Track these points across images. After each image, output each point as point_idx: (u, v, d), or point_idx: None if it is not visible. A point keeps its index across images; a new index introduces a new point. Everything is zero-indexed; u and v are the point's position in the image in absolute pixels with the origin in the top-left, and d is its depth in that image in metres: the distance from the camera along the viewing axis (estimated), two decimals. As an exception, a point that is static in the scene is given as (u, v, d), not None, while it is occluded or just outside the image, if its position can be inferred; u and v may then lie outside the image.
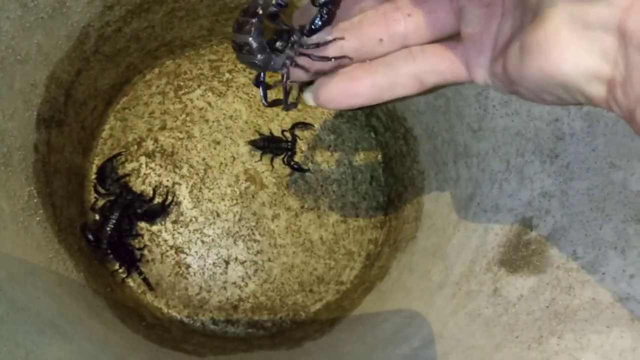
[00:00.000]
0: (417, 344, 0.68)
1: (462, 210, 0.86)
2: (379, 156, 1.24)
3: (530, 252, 0.64)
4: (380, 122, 1.20)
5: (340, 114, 1.23)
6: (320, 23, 0.54)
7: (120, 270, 1.04)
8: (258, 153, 1.17)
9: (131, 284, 1.07)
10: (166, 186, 1.12)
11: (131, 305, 0.99)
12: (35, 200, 0.77)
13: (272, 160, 1.17)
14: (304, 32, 0.55)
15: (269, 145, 1.16)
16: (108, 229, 1.00)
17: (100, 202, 1.05)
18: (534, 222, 0.66)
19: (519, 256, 0.66)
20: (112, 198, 1.05)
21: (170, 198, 1.10)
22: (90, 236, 0.99)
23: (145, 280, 1.06)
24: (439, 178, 0.98)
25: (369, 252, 1.19)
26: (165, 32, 1.03)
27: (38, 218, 0.77)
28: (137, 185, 1.11)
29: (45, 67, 0.77)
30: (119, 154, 1.10)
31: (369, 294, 1.07)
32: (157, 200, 1.09)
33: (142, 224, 1.09)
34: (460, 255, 0.80)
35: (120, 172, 1.10)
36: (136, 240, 1.08)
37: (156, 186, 1.11)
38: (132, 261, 1.03)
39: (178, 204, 1.12)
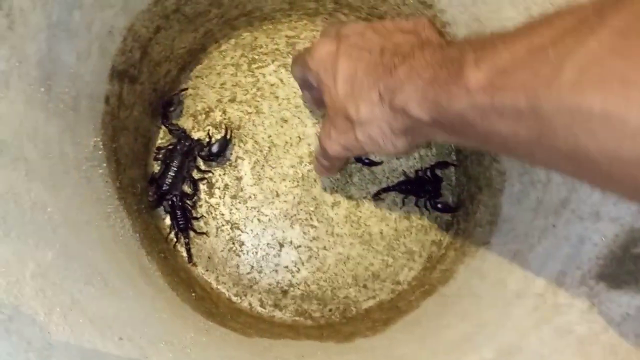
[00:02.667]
0: (489, 355, 0.60)
1: (550, 216, 0.76)
2: (453, 153, 1.16)
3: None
4: (459, 116, 1.12)
5: (416, 103, 1.16)
6: None
7: (171, 235, 1.02)
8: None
9: (183, 253, 1.04)
10: (223, 122, 1.09)
11: (182, 275, 0.96)
12: (100, 152, 0.75)
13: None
14: None
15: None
16: (169, 175, 1.00)
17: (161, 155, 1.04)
18: (647, 233, 0.57)
19: (625, 271, 0.57)
20: (171, 147, 1.04)
21: (229, 132, 1.07)
22: (153, 186, 1.00)
23: (188, 250, 1.03)
24: (523, 180, 0.89)
25: (430, 254, 1.11)
26: (246, 0, 0.99)
27: (101, 171, 0.75)
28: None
29: (125, 16, 0.75)
30: (185, 89, 1.08)
31: (430, 297, 0.98)
32: (216, 139, 1.07)
33: (201, 195, 1.07)
34: (546, 265, 0.70)
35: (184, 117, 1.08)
36: (194, 210, 1.05)
37: (210, 132, 1.09)
38: (185, 226, 1.00)
39: (239, 179, 1.09)
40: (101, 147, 0.76)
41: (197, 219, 1.04)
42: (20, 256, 0.43)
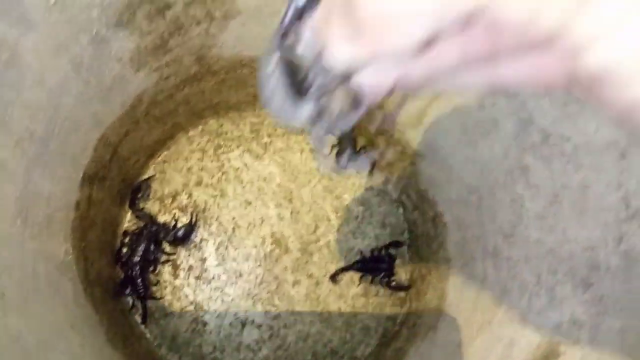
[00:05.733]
0: None
1: (487, 312, 0.84)
2: (406, 233, 1.24)
3: (555, 381, 0.63)
4: (410, 200, 1.21)
5: (371, 187, 1.24)
6: None
7: (130, 299, 1.07)
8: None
9: (147, 335, 1.08)
10: (189, 206, 1.15)
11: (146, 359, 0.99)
12: (70, 257, 0.79)
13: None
14: None
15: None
16: (135, 259, 1.04)
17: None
18: (561, 349, 0.65)
19: (543, 383, 0.64)
20: (137, 231, 1.09)
21: (195, 217, 1.13)
22: (119, 265, 1.05)
23: (144, 310, 1.07)
24: (465, 271, 0.97)
25: (386, 329, 1.18)
26: (213, 96, 1.07)
27: (70, 275, 0.79)
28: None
29: (97, 131, 0.81)
30: (153, 176, 1.14)
31: (383, 377, 1.05)
32: (181, 224, 1.12)
33: (166, 277, 1.11)
34: (482, 363, 0.78)
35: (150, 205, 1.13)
36: (157, 292, 1.09)
37: (176, 216, 1.14)
38: (144, 293, 1.05)
39: (203, 260, 1.14)
40: (70, 251, 0.80)
41: (155, 299, 1.08)
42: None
